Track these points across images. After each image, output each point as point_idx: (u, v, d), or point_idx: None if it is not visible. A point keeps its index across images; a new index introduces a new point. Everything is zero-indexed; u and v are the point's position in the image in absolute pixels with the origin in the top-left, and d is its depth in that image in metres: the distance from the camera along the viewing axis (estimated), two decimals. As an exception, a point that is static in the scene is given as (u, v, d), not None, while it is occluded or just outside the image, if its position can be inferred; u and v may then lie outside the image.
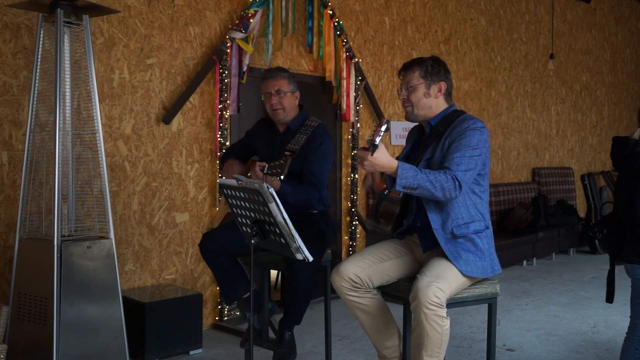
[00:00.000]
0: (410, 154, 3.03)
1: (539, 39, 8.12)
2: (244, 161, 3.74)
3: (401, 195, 2.95)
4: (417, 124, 3.10)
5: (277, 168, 3.08)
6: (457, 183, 2.69)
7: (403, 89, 2.95)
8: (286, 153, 3.33)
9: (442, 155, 2.82)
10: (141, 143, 4.28)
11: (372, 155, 2.59)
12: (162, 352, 3.91)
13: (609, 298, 3.19)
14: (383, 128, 2.55)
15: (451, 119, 2.90)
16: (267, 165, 3.13)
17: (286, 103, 3.46)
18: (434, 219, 2.83)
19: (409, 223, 2.98)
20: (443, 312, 2.64)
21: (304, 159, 3.38)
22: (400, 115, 6.18)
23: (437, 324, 2.63)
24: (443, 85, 2.93)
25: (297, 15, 5.15)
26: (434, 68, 2.92)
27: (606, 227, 3.05)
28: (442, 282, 2.65)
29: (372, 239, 3.19)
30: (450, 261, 2.76)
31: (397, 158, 2.82)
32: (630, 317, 3.07)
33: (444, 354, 2.73)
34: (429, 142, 2.91)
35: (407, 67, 2.96)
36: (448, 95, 2.97)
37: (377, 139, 2.56)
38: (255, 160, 3.68)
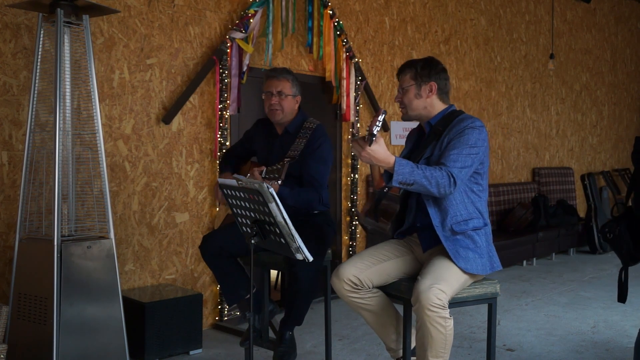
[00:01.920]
0: (410, 154, 3.05)
1: (539, 39, 8.12)
2: (243, 163, 3.74)
3: (401, 192, 2.97)
4: (417, 124, 3.12)
5: (274, 173, 3.10)
6: (452, 180, 2.70)
7: (398, 91, 3.02)
8: (285, 160, 3.34)
9: (440, 153, 2.84)
10: (141, 143, 4.28)
11: (369, 146, 2.58)
12: (162, 352, 3.91)
13: (622, 298, 3.16)
14: (380, 118, 2.52)
15: (450, 118, 2.92)
16: (265, 169, 3.15)
17: (285, 105, 3.45)
18: (435, 216, 2.84)
19: (409, 223, 2.98)
20: (446, 312, 2.65)
21: (303, 162, 3.38)
22: (399, 115, 6.17)
23: (441, 325, 2.65)
24: (434, 85, 2.95)
25: (297, 15, 5.15)
26: (423, 69, 2.95)
27: (619, 228, 3.03)
28: (443, 283, 2.66)
29: (373, 238, 3.19)
30: (450, 260, 2.76)
31: None
32: None
33: (449, 353, 2.74)
34: (429, 142, 2.93)
35: (401, 70, 3.02)
36: (444, 94, 2.98)
37: (375, 129, 2.54)
38: (253, 162, 3.68)
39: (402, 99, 2.98)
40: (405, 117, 3.03)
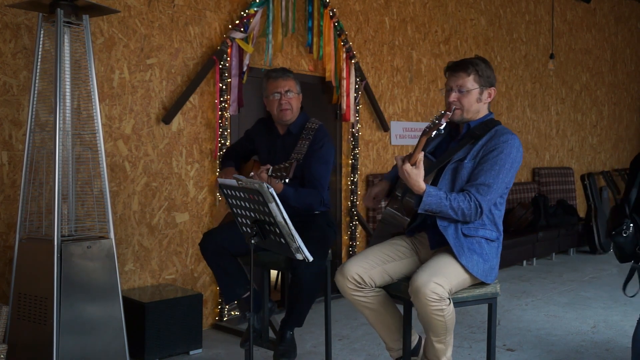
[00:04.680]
0: (437, 150, 3.02)
1: (539, 39, 8.12)
2: (244, 161, 3.74)
3: None
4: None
5: (282, 171, 3.08)
6: (479, 211, 2.75)
7: (454, 91, 2.90)
8: (292, 158, 3.33)
9: (472, 164, 2.83)
10: (141, 143, 4.28)
11: (430, 137, 2.72)
12: (162, 352, 3.91)
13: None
14: (450, 113, 2.69)
15: (489, 125, 2.90)
16: (271, 167, 3.13)
17: (294, 104, 3.45)
18: (442, 220, 2.84)
19: (421, 218, 2.97)
20: (442, 304, 2.67)
21: (305, 162, 3.38)
22: (399, 115, 6.18)
23: (438, 315, 2.69)
24: (493, 91, 2.95)
25: (297, 15, 5.15)
26: (485, 72, 2.91)
27: (634, 226, 3.09)
28: (440, 277, 2.67)
29: (382, 230, 3.18)
30: (453, 257, 2.77)
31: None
32: None
33: (452, 335, 2.81)
34: (464, 143, 2.90)
35: (460, 68, 2.90)
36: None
37: (444, 124, 2.68)
38: (256, 160, 3.68)
39: (461, 100, 2.88)
40: (457, 119, 2.93)
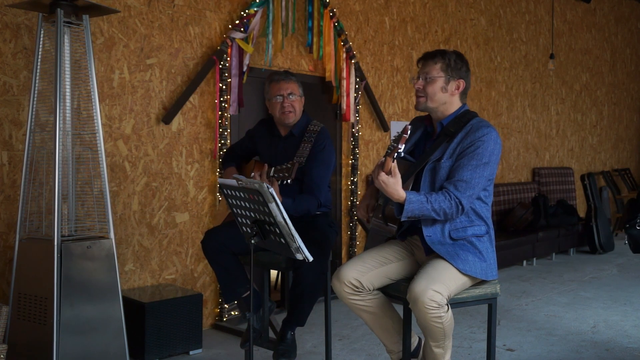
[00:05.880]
0: (415, 149, 2.99)
1: (539, 39, 8.12)
2: (245, 162, 3.74)
3: None
4: (419, 115, 3.07)
5: (284, 172, 3.07)
6: (460, 208, 2.71)
7: (420, 78, 2.88)
8: (295, 159, 3.33)
9: (450, 162, 2.79)
10: (141, 143, 4.28)
11: (393, 161, 2.59)
12: (162, 352, 3.91)
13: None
14: (407, 135, 2.52)
15: (463, 120, 2.85)
16: (274, 168, 3.12)
17: (297, 107, 3.44)
18: (427, 227, 2.82)
19: (410, 222, 2.94)
20: (441, 311, 2.65)
21: (307, 165, 3.38)
22: (400, 115, 6.18)
23: (437, 322, 2.67)
24: (462, 83, 2.87)
25: (297, 15, 5.15)
26: (456, 64, 2.85)
27: None
28: (438, 284, 2.65)
29: (374, 238, 3.17)
30: (448, 261, 2.75)
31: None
32: None
33: (451, 339, 2.79)
34: (439, 142, 2.86)
35: (429, 57, 2.88)
36: (464, 94, 2.92)
37: (402, 147, 2.53)
38: (257, 160, 3.68)
39: (425, 88, 2.85)
40: (421, 107, 2.90)
